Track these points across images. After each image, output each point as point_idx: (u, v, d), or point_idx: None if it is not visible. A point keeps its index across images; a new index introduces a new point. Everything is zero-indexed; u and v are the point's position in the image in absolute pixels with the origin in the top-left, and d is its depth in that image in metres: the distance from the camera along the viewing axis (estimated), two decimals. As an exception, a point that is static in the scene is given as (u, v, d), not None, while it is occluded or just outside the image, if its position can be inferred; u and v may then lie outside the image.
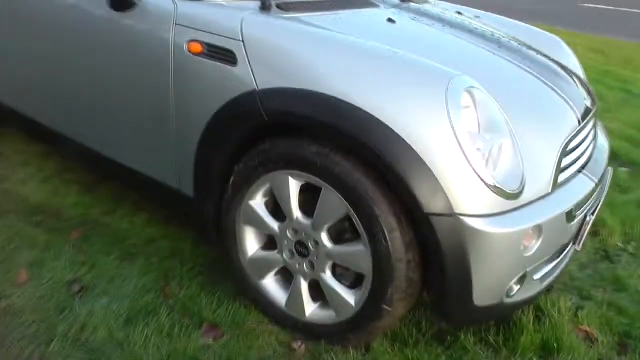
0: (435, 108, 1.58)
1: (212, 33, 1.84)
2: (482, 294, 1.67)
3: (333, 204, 1.69)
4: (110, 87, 2.17)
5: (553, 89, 2.08)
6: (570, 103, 2.06)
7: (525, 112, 1.85)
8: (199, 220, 2.09)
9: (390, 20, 2.26)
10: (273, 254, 1.91)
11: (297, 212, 1.80)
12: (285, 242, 1.85)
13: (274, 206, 1.89)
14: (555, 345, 1.91)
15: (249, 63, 1.76)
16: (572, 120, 1.99)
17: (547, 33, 2.74)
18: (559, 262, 1.95)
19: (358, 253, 1.70)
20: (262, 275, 1.96)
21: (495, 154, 1.63)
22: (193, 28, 1.88)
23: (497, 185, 1.59)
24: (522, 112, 1.83)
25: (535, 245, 1.71)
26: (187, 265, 2.20)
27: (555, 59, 2.40)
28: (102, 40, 2.14)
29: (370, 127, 1.58)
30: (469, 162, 1.56)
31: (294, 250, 1.85)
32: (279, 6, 2.05)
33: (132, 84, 2.08)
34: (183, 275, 2.15)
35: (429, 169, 1.55)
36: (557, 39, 2.70)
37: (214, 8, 1.96)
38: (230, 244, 1.99)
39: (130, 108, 2.12)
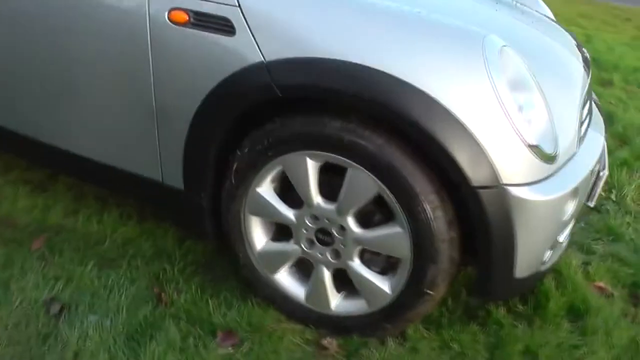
0: (475, 69, 1.44)
1: (199, -2, 1.57)
2: (523, 265, 1.56)
3: (362, 184, 1.52)
4: (71, 70, 1.84)
5: (558, 43, 2.00)
6: (575, 56, 1.99)
7: (542, 68, 1.73)
8: (188, 214, 1.85)
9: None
10: (288, 245, 1.71)
11: (317, 197, 1.60)
12: (304, 230, 1.65)
13: (283, 192, 1.69)
14: (581, 307, 1.86)
15: (251, 31, 1.52)
16: (581, 72, 1.91)
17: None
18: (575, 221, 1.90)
19: (394, 236, 1.54)
20: (275, 269, 1.76)
21: (532, 114, 1.51)
22: (173, -7, 1.61)
23: (539, 147, 1.47)
24: (539, 68, 1.71)
25: (570, 207, 1.62)
26: (178, 265, 1.95)
27: (543, 13, 2.31)
28: (63, 17, 1.80)
29: (406, 95, 1.41)
30: (513, 124, 1.43)
31: (314, 239, 1.66)
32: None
33: (99, 67, 1.77)
34: (177, 277, 1.90)
35: (473, 137, 1.41)
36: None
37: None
38: (235, 237, 1.76)
39: (100, 93, 1.81)
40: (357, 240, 1.60)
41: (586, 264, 2.12)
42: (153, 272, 1.92)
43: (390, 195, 1.49)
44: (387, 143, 1.47)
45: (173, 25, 1.61)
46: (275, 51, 1.50)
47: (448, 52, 1.46)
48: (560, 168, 1.58)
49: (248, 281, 1.82)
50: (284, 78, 1.48)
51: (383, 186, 1.49)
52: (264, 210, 1.70)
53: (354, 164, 1.50)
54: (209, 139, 1.67)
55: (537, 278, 1.74)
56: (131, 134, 1.82)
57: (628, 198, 2.60)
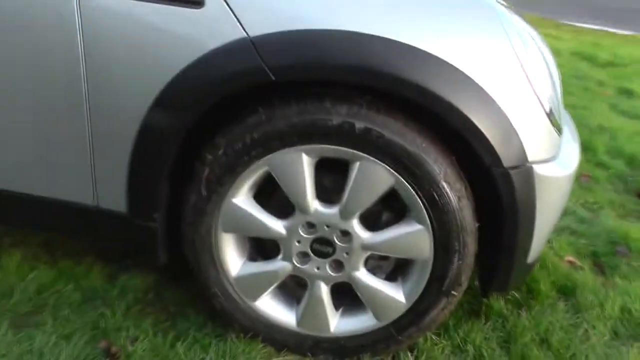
0: (496, 37, 1.27)
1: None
2: (535, 250, 1.44)
3: (374, 178, 1.28)
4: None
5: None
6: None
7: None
8: (133, 241, 1.47)
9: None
10: (275, 263, 1.41)
11: (314, 201, 1.33)
12: (296, 243, 1.37)
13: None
14: (568, 284, 1.80)
15: (225, 1, 1.20)
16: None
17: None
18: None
19: (414, 235, 1.32)
20: (256, 295, 1.45)
21: (540, 76, 1.38)
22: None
23: (553, 114, 1.36)
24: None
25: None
26: (119, 308, 1.55)
27: None
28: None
29: (430, 68, 1.20)
30: (534, 90, 1.29)
31: (309, 251, 1.38)
32: None
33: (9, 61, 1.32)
34: (122, 322, 1.51)
35: (503, 112, 1.25)
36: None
37: None
38: (203, 262, 1.42)
39: (6, 98, 1.36)
40: (365, 247, 1.35)
41: (547, 241, 2.09)
42: (90, 322, 1.50)
43: (409, 188, 1.27)
44: (405, 127, 1.25)
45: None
46: (259, 24, 1.20)
47: (469, 21, 1.27)
48: (563, 140, 1.48)
49: (221, 313, 1.49)
50: (275, 57, 1.19)
51: (401, 178, 1.26)
52: (244, 226, 1.38)
53: (365, 155, 1.26)
54: (166, 145, 1.31)
55: (535, 264, 1.63)
56: (51, 146, 1.39)
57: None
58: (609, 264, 1.98)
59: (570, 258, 1.99)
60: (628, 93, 3.88)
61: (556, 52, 2.00)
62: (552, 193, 1.38)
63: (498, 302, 1.69)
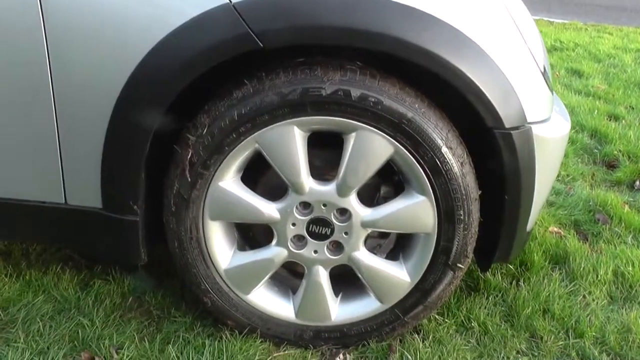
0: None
1: None
2: (533, 217, 1.40)
3: (372, 148, 1.20)
4: None
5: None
6: None
7: None
8: (108, 239, 1.34)
9: None
10: (269, 250, 1.31)
11: (309, 179, 1.24)
12: (291, 226, 1.28)
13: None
14: (561, 253, 1.78)
15: (201, -37, 1.10)
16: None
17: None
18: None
19: (417, 207, 1.25)
20: (250, 287, 1.35)
21: (528, 29, 1.33)
22: None
23: (546, 72, 1.32)
24: None
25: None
26: (97, 315, 1.42)
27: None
28: None
29: (429, 29, 1.13)
30: (528, 46, 1.25)
31: (306, 234, 1.29)
32: None
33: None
34: (103, 331, 1.37)
35: (502, 72, 1.20)
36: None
37: None
38: (190, 256, 1.31)
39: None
40: (366, 224, 1.28)
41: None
42: (66, 334, 1.36)
43: (409, 156, 1.20)
44: (402, 92, 1.18)
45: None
46: (240, -13, 1.11)
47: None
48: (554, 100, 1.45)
49: (212, 311, 1.37)
50: (264, 23, 1.10)
51: (400, 146, 1.19)
52: (233, 212, 1.28)
53: (362, 124, 1.18)
54: (143, 128, 1.19)
55: (531, 232, 1.60)
56: (10, 139, 1.25)
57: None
58: (592, 231, 1.98)
59: (554, 229, 1.98)
60: (578, 73, 3.97)
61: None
62: (550, 154, 1.34)
63: (495, 277, 1.64)
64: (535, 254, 1.74)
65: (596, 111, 3.10)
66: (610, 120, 3.05)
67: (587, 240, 1.94)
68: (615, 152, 2.61)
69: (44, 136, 1.23)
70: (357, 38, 1.11)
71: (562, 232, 1.96)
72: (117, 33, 1.14)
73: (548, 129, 1.31)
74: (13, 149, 1.26)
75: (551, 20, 6.53)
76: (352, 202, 1.26)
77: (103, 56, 1.16)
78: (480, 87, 1.16)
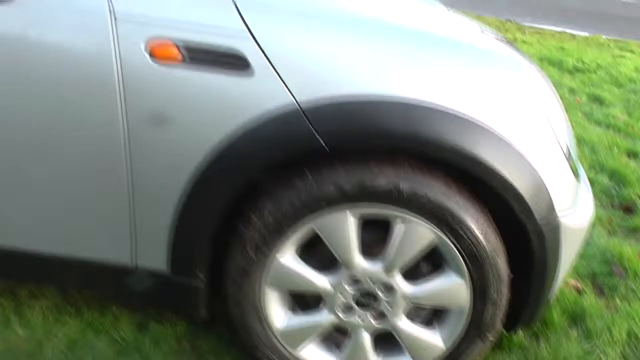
0: (523, 90, 1.35)
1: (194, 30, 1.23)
2: (555, 288, 1.54)
3: (416, 235, 1.33)
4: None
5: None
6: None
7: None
8: (173, 298, 1.49)
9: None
10: (319, 315, 1.45)
11: (359, 257, 1.38)
12: (340, 296, 1.42)
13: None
14: (577, 311, 1.91)
15: (275, 69, 1.23)
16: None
17: None
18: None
19: (454, 287, 1.39)
20: (300, 344, 1.49)
21: (560, 122, 1.46)
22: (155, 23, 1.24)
23: (571, 157, 1.45)
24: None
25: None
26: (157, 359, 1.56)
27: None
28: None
29: (470, 134, 1.26)
30: (557, 140, 1.38)
31: (353, 304, 1.43)
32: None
33: (40, 126, 1.31)
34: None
35: (534, 169, 1.32)
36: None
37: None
38: (247, 316, 1.45)
39: (41, 162, 1.34)
40: (407, 298, 1.41)
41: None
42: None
43: (450, 244, 1.34)
44: (446, 187, 1.30)
45: (155, 65, 1.24)
46: (306, 92, 1.24)
47: (499, 83, 1.34)
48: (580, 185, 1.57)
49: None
50: (328, 124, 1.23)
51: (442, 235, 1.33)
52: (290, 282, 1.42)
53: (409, 214, 1.31)
54: (215, 206, 1.33)
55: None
56: (90, 212, 1.39)
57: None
58: (608, 285, 2.09)
59: (573, 282, 2.10)
60: (599, 101, 4.06)
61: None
62: (575, 241, 1.48)
63: (516, 334, 1.77)
64: (554, 312, 1.87)
65: (616, 148, 3.20)
66: (629, 157, 3.15)
67: (604, 293, 2.06)
68: (633, 195, 2.72)
69: (120, 205, 1.37)
70: (410, 142, 1.25)
71: (579, 286, 2.08)
72: (196, 123, 1.27)
73: (575, 218, 1.44)
74: (93, 213, 1.40)
75: (574, 33, 6.58)
76: (397, 279, 1.39)
77: (182, 142, 1.29)
78: (516, 187, 1.29)
